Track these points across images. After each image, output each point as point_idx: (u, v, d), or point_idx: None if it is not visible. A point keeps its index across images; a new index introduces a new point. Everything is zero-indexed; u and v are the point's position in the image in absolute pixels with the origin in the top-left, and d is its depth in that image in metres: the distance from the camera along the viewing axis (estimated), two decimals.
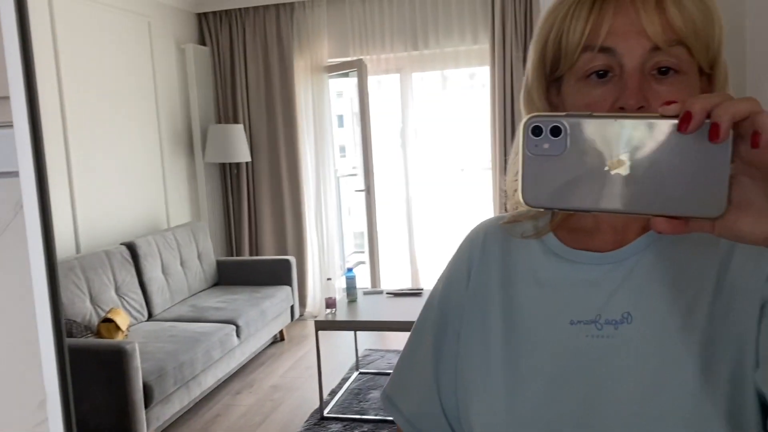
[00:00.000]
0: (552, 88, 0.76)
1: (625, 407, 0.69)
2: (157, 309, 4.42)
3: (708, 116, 0.48)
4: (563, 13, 0.70)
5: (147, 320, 4.32)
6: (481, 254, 0.85)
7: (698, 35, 0.67)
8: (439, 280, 0.90)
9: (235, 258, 5.68)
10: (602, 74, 0.69)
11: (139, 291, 4.29)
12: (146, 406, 3.26)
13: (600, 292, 0.75)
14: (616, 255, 0.76)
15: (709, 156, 0.49)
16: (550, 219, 0.82)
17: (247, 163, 5.70)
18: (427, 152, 5.71)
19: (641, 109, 0.66)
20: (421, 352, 0.87)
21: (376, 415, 3.77)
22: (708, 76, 0.72)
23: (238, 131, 5.43)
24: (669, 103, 0.50)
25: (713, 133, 0.48)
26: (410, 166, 5.64)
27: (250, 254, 5.84)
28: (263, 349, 4.96)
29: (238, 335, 4.29)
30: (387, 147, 5.90)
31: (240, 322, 4.33)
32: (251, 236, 5.86)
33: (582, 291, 0.76)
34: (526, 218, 0.84)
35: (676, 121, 0.50)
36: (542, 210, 0.56)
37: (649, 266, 0.74)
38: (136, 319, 4.19)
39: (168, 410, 3.52)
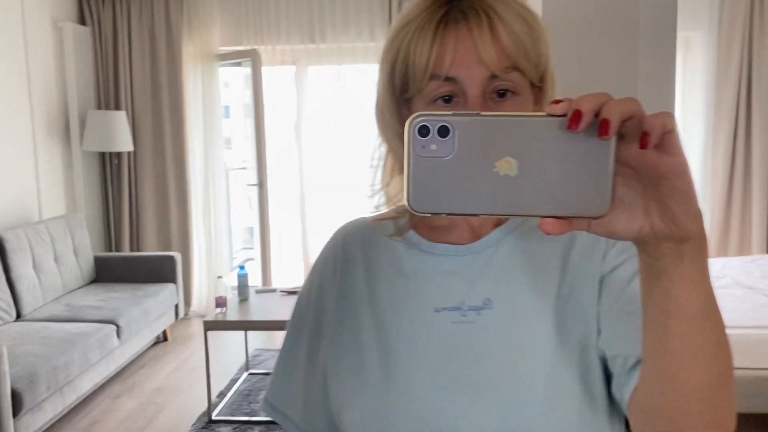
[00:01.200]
0: (403, 107, 0.81)
1: (490, 381, 0.76)
2: (27, 308, 4.07)
3: (596, 114, 0.50)
4: (408, 39, 0.76)
5: (15, 320, 3.95)
6: (343, 258, 0.89)
7: (528, 56, 0.75)
8: (306, 284, 0.93)
9: (114, 253, 5.34)
10: (448, 99, 0.76)
11: (7, 289, 3.93)
12: (15, 414, 2.97)
13: (462, 281, 0.81)
14: (474, 247, 0.83)
15: (593, 155, 0.50)
16: (409, 217, 0.87)
17: (129, 152, 5.37)
18: (321, 147, 5.63)
19: None
20: (299, 357, 0.90)
21: (266, 416, 3.66)
22: (539, 89, 0.80)
23: (120, 118, 5.10)
24: (557, 102, 0.51)
25: (603, 129, 0.49)
26: (305, 161, 5.54)
27: (131, 250, 5.51)
28: (145, 350, 4.70)
29: (118, 335, 4.03)
30: (280, 140, 5.76)
31: (120, 322, 4.07)
32: (132, 230, 5.53)
33: (445, 281, 0.82)
34: (388, 218, 0.88)
35: (563, 119, 0.50)
36: (425, 215, 0.54)
37: (505, 256, 0.82)
38: (2, 319, 3.83)
39: (40, 418, 3.24)
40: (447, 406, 0.76)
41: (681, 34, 4.41)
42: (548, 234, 0.51)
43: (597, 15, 2.00)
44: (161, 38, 5.29)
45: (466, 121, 0.52)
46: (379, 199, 0.88)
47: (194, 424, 3.60)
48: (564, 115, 0.50)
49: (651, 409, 0.63)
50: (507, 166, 0.51)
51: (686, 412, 0.60)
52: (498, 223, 0.84)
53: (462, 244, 0.83)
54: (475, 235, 0.84)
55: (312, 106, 5.56)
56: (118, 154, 5.38)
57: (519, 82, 0.76)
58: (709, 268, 0.56)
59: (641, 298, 0.59)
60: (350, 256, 0.89)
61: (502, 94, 0.75)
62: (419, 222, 0.87)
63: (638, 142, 0.50)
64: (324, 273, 0.90)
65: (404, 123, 0.60)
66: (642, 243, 0.54)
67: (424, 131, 0.52)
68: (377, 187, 0.87)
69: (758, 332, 3.34)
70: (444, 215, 0.54)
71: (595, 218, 0.51)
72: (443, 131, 0.52)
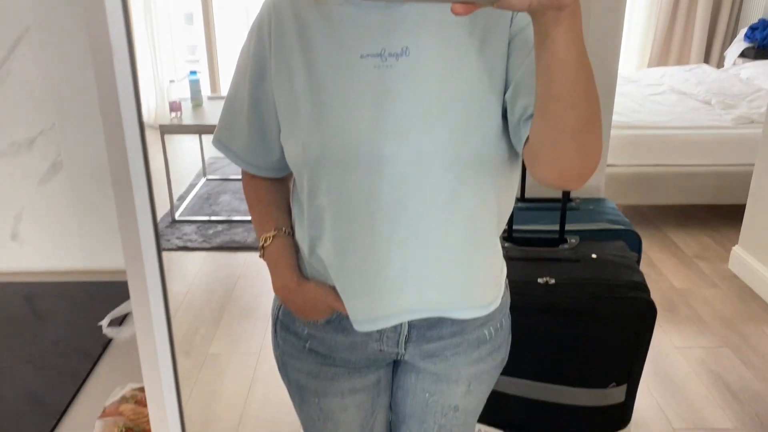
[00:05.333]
0: None
1: (410, 117, 0.88)
2: None
3: None
4: None
5: None
6: (276, 17, 0.96)
7: None
8: (246, 42, 1.01)
9: None
10: None
11: None
12: None
13: (382, 30, 0.89)
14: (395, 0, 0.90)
15: None
16: None
17: None
18: None
19: None
20: (241, 97, 1.01)
21: (228, 216, 3.83)
22: None
23: None
24: None
25: None
26: None
27: None
28: None
29: None
30: None
31: None
32: None
33: (368, 30, 0.90)
34: None
35: None
36: None
37: (423, 10, 0.89)
38: None
39: None
40: (373, 136, 0.88)
41: None
42: (458, 15, 0.62)
43: None
44: None
45: None
46: None
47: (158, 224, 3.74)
48: None
49: (538, 148, 0.81)
50: None
51: (563, 145, 0.77)
52: None
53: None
54: None
55: None
56: None
57: None
58: (582, 32, 0.70)
59: (534, 57, 0.73)
60: (282, 15, 0.95)
61: None
62: None
63: None
64: (260, 31, 0.97)
65: None
66: (533, 13, 0.67)
67: None
68: None
69: (690, 132, 3.59)
70: None
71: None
72: None
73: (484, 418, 1.57)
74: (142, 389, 0.78)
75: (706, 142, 3.56)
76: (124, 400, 0.73)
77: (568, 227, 1.74)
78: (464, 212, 0.93)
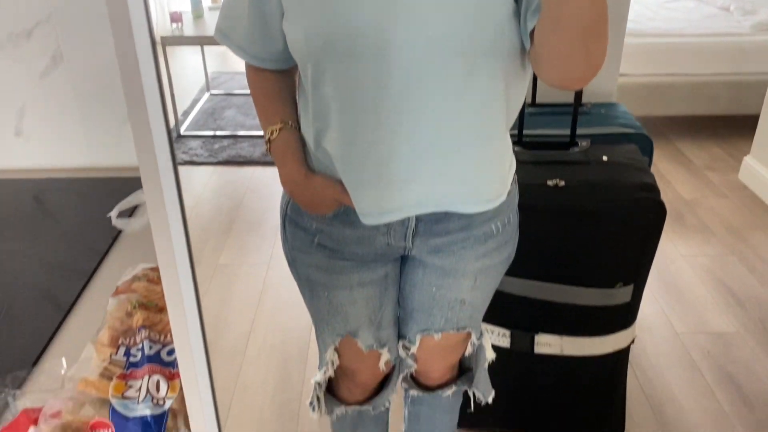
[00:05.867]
0: None
1: (419, 1, 0.83)
2: None
3: None
4: None
5: None
6: None
7: None
8: None
9: None
10: None
11: None
12: None
13: None
14: None
15: None
16: None
17: None
18: None
19: None
20: None
21: (233, 131, 3.80)
22: None
23: None
24: None
25: None
26: None
27: None
28: None
29: None
30: None
31: None
32: None
33: None
34: None
35: None
36: None
37: None
38: None
39: None
40: (380, 21, 0.84)
41: None
42: None
43: None
44: None
45: None
46: None
47: None
48: None
49: (544, 48, 0.81)
50: None
51: (568, 44, 0.77)
52: None
53: None
54: None
55: None
56: None
57: None
58: None
59: None
60: None
61: None
62: None
63: None
64: None
65: None
66: None
67: None
68: None
69: (706, 39, 3.49)
70: None
71: None
72: None
73: (490, 319, 1.60)
74: (153, 269, 0.78)
75: (722, 49, 3.46)
76: (136, 278, 0.73)
77: (579, 131, 1.70)
78: (474, 104, 0.90)
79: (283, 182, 1.02)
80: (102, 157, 1.12)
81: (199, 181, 3.34)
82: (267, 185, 3.25)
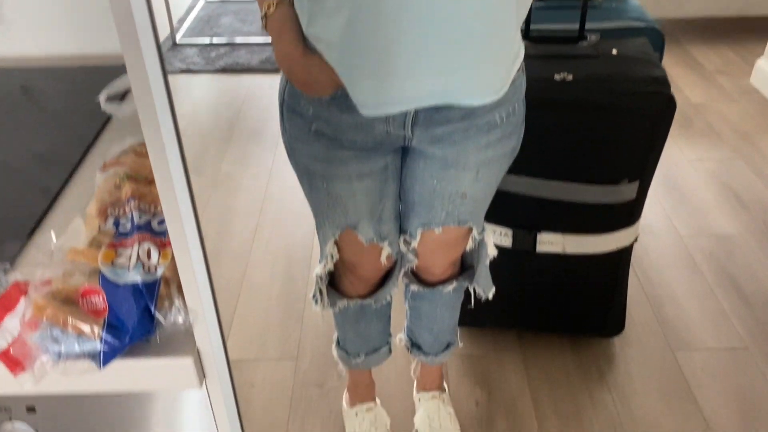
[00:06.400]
0: None
1: None
2: None
3: None
4: None
5: None
6: None
7: None
8: None
9: None
10: None
11: None
12: None
13: None
14: None
15: None
16: None
17: None
18: None
19: None
20: None
21: (230, 39, 3.69)
22: None
23: None
24: None
25: None
26: None
27: None
28: None
29: None
30: None
31: None
32: None
33: None
34: None
35: None
36: None
37: None
38: None
39: None
40: None
41: None
42: None
43: None
44: None
45: None
46: None
47: None
48: None
49: None
50: None
51: None
52: None
53: None
54: None
55: None
56: None
57: None
58: None
59: None
60: None
61: None
62: None
63: None
64: None
65: None
66: None
67: None
68: None
69: None
70: None
71: None
72: None
73: (492, 218, 1.58)
74: (141, 143, 0.76)
75: None
76: (123, 153, 0.71)
77: (588, 25, 1.63)
78: None
79: (279, 59, 0.97)
80: (90, 44, 1.07)
81: (197, 89, 3.27)
82: (266, 93, 3.19)
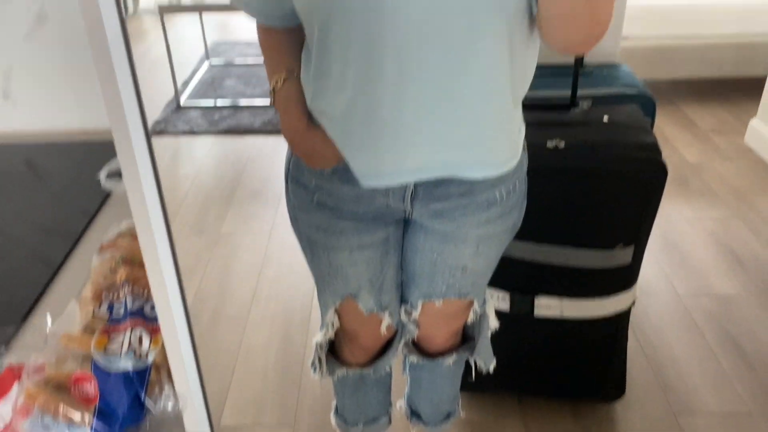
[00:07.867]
0: None
1: None
2: None
3: None
4: None
5: None
6: None
7: None
8: None
9: None
10: None
11: None
12: None
13: None
14: None
15: None
16: None
17: None
18: None
19: None
20: None
21: (234, 101, 3.77)
22: None
23: None
24: None
25: None
26: None
27: None
28: None
29: None
30: None
31: None
32: None
33: None
34: None
35: None
36: None
37: None
38: None
39: None
40: None
41: None
42: None
43: None
44: None
45: None
46: None
47: (163, 110, 3.69)
48: None
49: (548, 5, 0.81)
50: None
51: (572, 8, 0.78)
52: None
53: None
54: None
55: None
56: None
57: None
58: None
59: None
60: None
61: None
62: None
63: None
64: None
65: None
66: None
67: None
68: None
69: (711, 0, 3.42)
70: None
71: None
72: None
73: (489, 282, 1.59)
74: None
75: (730, 10, 3.39)
76: (120, 235, 0.73)
77: (580, 92, 1.67)
78: (478, 65, 0.87)
79: (285, 132, 1.00)
80: (92, 119, 1.11)
81: (200, 151, 3.33)
82: (268, 155, 3.24)
